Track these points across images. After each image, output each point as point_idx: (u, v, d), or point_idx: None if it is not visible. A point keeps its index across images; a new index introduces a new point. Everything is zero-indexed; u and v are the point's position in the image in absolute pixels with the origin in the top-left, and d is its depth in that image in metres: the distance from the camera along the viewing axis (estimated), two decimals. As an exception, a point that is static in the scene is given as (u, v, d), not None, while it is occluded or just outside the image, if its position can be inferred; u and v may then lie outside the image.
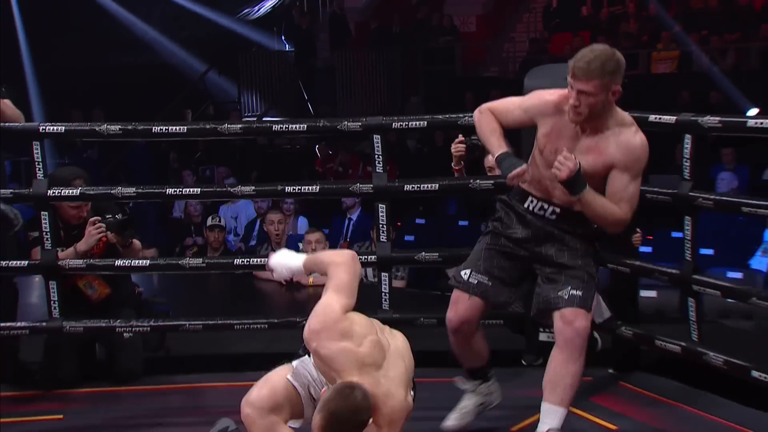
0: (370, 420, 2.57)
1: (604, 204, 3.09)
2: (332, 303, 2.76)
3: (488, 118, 3.27)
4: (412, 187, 4.01)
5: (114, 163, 11.21)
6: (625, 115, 3.16)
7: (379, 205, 4.01)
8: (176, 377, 4.20)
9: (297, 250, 5.94)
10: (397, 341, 2.87)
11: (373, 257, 4.09)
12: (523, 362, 4.06)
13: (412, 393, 2.80)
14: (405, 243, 7.51)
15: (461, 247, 4.14)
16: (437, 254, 4.06)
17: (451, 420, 3.42)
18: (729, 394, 3.69)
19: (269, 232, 6.63)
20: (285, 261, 3.11)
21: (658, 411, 3.67)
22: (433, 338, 3.71)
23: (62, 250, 4.07)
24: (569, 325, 3.08)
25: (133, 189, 4.06)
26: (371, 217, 5.55)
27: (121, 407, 3.87)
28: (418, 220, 8.20)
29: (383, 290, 4.04)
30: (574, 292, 3.11)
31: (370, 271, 5.80)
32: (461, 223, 7.90)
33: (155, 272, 5.28)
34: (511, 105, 3.29)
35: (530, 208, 3.24)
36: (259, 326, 4.05)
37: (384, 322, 3.82)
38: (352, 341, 2.69)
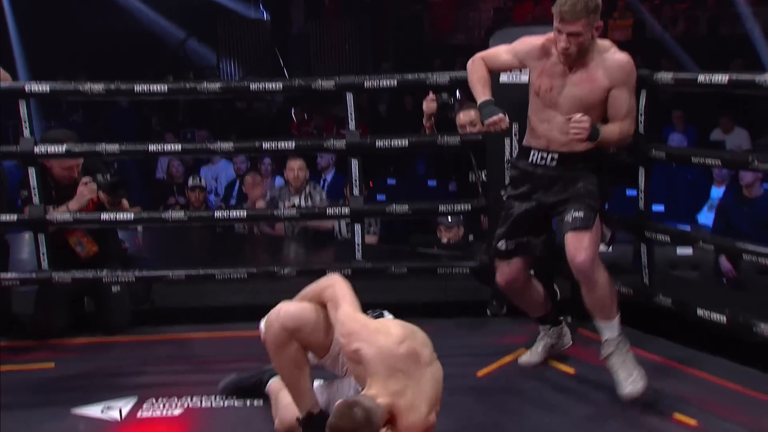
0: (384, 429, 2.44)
1: (613, 130, 3.20)
2: (350, 310, 2.62)
3: (478, 66, 3.41)
4: (384, 143, 3.99)
5: (98, 126, 11.03)
6: (603, 42, 3.24)
7: (352, 160, 3.98)
8: (162, 328, 4.16)
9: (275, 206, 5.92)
10: (435, 365, 2.61)
11: (346, 209, 4.08)
12: (488, 312, 4.08)
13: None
14: (377, 202, 7.48)
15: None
16: (407, 206, 4.06)
17: (524, 357, 3.59)
18: (676, 337, 3.75)
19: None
20: None
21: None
22: (404, 290, 3.70)
23: (54, 209, 4.01)
24: (572, 262, 3.16)
25: (117, 146, 4.00)
26: (345, 178, 5.50)
27: (109, 356, 3.84)
28: (389, 181, 8.17)
29: (356, 242, 4.02)
30: (576, 213, 3.19)
31: (344, 226, 5.78)
32: (430, 182, 7.89)
33: (140, 226, 5.20)
34: (501, 51, 3.42)
35: (533, 161, 3.31)
36: (239, 276, 4.01)
37: (357, 271, 3.84)
38: (390, 339, 2.51)
